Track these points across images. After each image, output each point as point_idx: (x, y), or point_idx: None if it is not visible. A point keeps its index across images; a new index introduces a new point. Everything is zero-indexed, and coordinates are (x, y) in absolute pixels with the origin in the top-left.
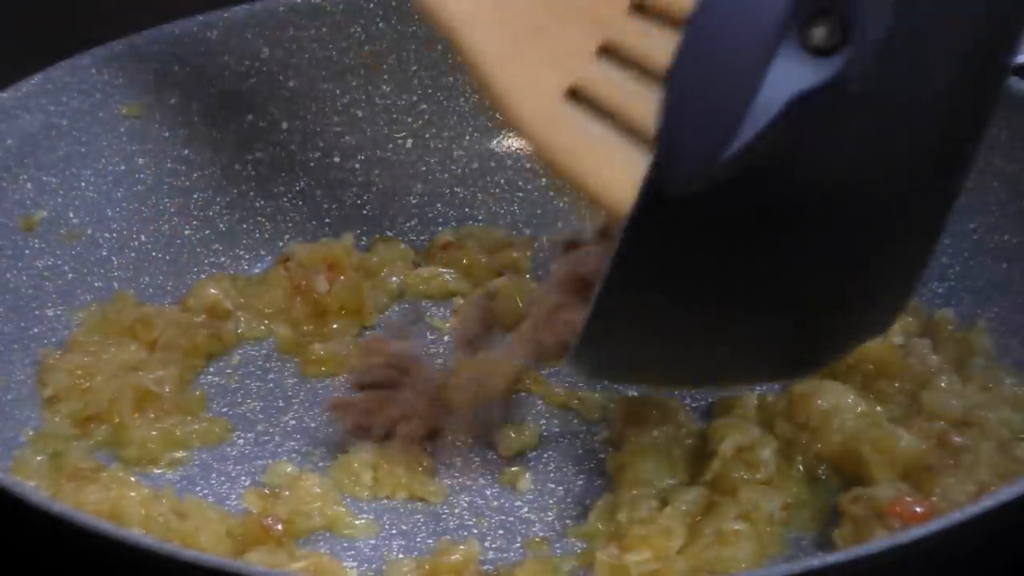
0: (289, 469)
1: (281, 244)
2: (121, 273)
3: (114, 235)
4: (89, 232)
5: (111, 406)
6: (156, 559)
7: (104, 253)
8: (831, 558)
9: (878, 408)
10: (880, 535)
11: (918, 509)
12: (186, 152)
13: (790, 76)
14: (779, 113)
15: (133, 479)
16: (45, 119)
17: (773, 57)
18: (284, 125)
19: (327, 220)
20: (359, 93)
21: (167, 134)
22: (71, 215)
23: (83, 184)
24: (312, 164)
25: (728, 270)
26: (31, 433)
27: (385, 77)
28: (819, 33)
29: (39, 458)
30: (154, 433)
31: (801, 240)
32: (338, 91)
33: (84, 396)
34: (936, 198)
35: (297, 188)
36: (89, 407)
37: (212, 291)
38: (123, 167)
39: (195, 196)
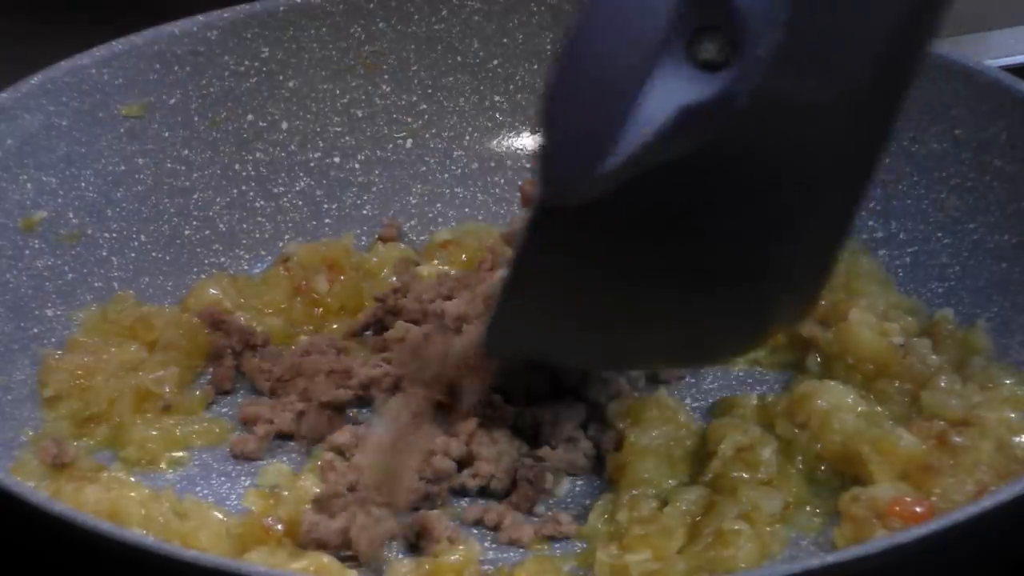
0: (289, 469)
1: (281, 244)
2: (121, 273)
3: (114, 235)
4: (89, 232)
5: (111, 406)
6: (156, 559)
7: (104, 253)
8: (831, 558)
9: (878, 408)
10: (880, 535)
11: (918, 509)
12: (186, 152)
13: (676, 90)
14: (663, 126)
15: (133, 479)
16: (45, 119)
17: (654, 71)
18: (284, 125)
19: (327, 220)
20: (359, 93)
21: (167, 134)
22: (71, 215)
23: (83, 184)
24: (312, 164)
25: (629, 263)
26: (31, 433)
27: (385, 77)
28: (708, 48)
29: (36, 461)
30: (154, 433)
31: (704, 235)
32: (338, 91)
33: (84, 396)
34: (845, 186)
35: (297, 188)
36: (89, 407)
37: (212, 291)
38: (123, 167)
39: (195, 196)
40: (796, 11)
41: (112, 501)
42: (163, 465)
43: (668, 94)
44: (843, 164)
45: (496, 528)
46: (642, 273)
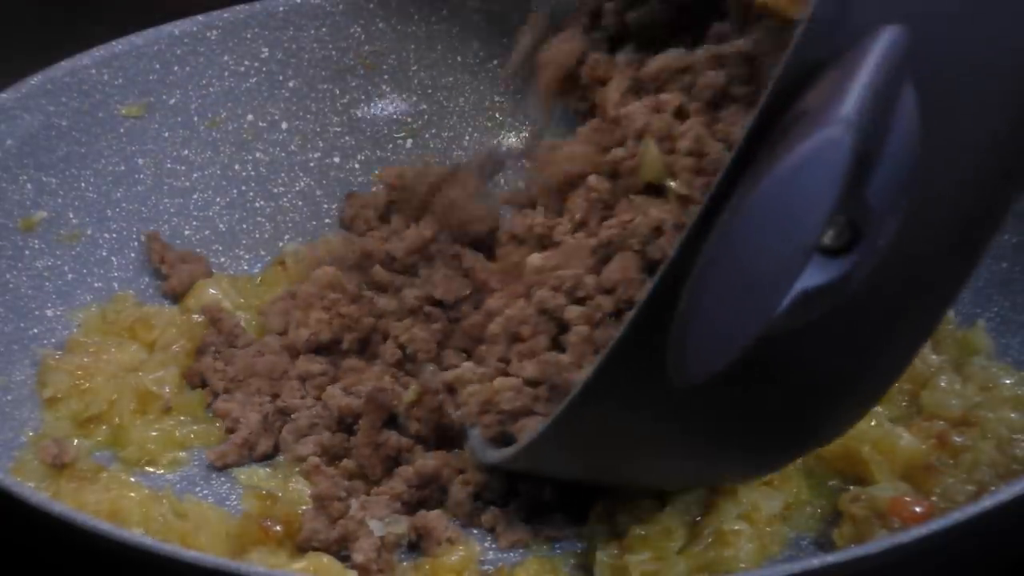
0: (287, 470)
1: (281, 244)
2: (121, 273)
3: (114, 235)
4: (89, 232)
5: (111, 407)
6: (156, 559)
7: (104, 253)
8: (831, 558)
9: (879, 408)
10: (880, 535)
11: (918, 509)
12: (186, 152)
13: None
14: (783, 310)
15: (133, 480)
16: (45, 119)
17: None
18: (284, 125)
19: (327, 220)
20: (359, 93)
21: (167, 134)
22: (71, 215)
23: (83, 184)
24: (312, 164)
25: (687, 422)
26: (31, 434)
27: (385, 77)
28: (830, 234)
29: (36, 462)
30: (154, 434)
31: (777, 399)
32: (338, 91)
33: (84, 397)
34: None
35: (297, 188)
36: (89, 408)
37: (212, 291)
38: (123, 167)
39: (195, 196)
40: (913, 199)
41: (112, 501)
42: (162, 466)
43: (788, 279)
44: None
45: (492, 530)
46: (695, 430)
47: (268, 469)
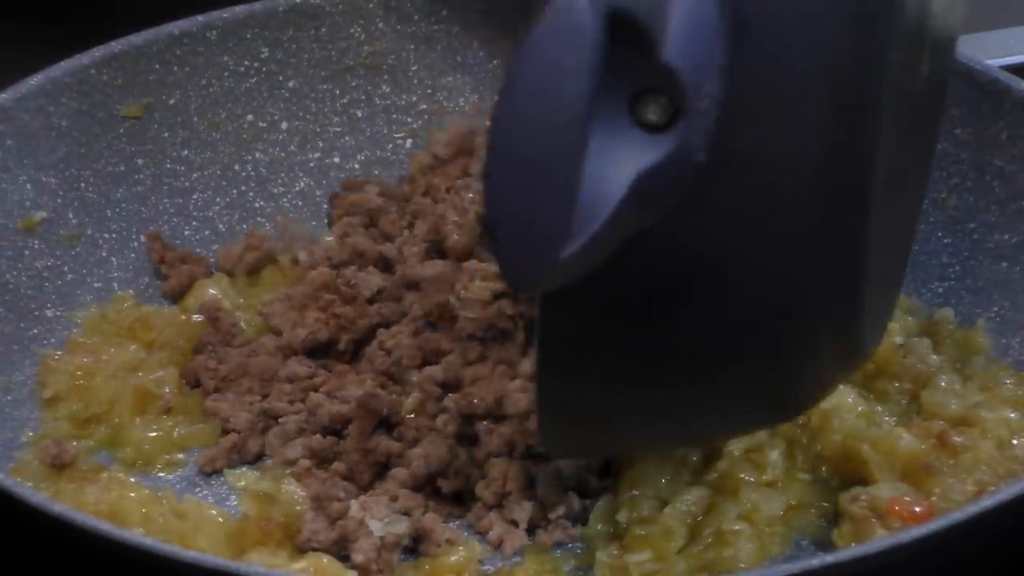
0: (276, 472)
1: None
2: (121, 273)
3: (114, 236)
4: (89, 233)
5: (111, 407)
6: (156, 560)
7: (104, 254)
8: (831, 558)
9: (878, 408)
10: (880, 535)
11: (917, 509)
12: (185, 152)
13: (628, 158)
14: (624, 197)
15: (133, 480)
16: (45, 120)
17: (592, 145)
18: (284, 125)
19: (327, 220)
20: (359, 93)
21: (166, 135)
22: (71, 216)
23: (83, 185)
24: (312, 164)
25: (643, 341)
26: (31, 434)
27: (385, 77)
28: (651, 111)
29: (36, 462)
30: (152, 435)
31: (706, 303)
32: (338, 91)
33: (84, 397)
34: (842, 240)
35: (297, 188)
36: (89, 408)
37: (211, 291)
38: (122, 168)
39: (195, 197)
40: (733, 57)
41: (112, 502)
42: (161, 467)
43: (621, 164)
44: (827, 222)
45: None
46: (657, 352)
47: (258, 472)
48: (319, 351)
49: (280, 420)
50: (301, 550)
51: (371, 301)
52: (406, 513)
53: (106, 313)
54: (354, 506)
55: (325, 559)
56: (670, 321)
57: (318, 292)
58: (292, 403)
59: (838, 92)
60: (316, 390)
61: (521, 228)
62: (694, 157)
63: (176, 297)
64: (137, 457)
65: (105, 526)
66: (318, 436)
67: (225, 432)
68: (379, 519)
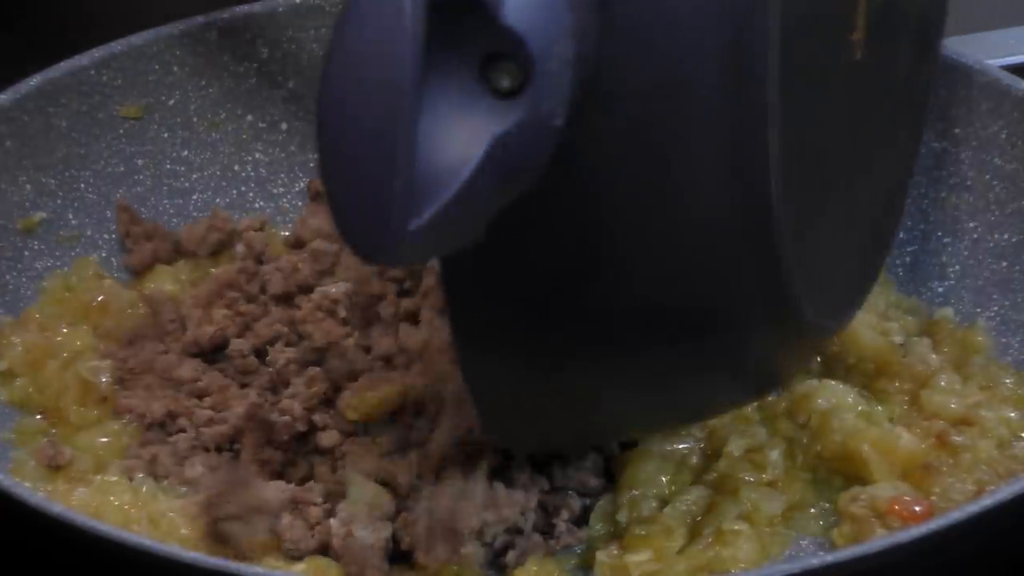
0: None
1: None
2: (120, 275)
3: (113, 236)
4: (88, 233)
5: (59, 398)
6: (157, 560)
7: (104, 254)
8: (830, 557)
9: (878, 407)
10: (880, 534)
11: (917, 508)
12: (185, 153)
13: (482, 125)
14: (478, 164)
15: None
16: (44, 121)
17: (420, 113)
18: (284, 126)
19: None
20: None
21: (166, 135)
22: (70, 216)
23: (82, 186)
24: (312, 164)
25: (559, 321)
26: (11, 433)
27: None
28: (501, 77)
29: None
30: (103, 440)
31: (611, 278)
32: None
33: (36, 379)
34: (749, 210)
35: (297, 188)
36: (41, 392)
37: (163, 284)
38: (122, 168)
39: (194, 197)
40: (577, 17)
41: (96, 508)
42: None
43: (474, 131)
44: (733, 190)
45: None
46: (572, 332)
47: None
48: (220, 351)
49: (170, 439)
50: (292, 557)
51: (287, 298)
52: (391, 519)
53: (68, 280)
54: (340, 515)
55: (324, 560)
56: (577, 300)
57: (222, 289)
58: (175, 416)
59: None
60: (203, 396)
61: (361, 198)
62: (550, 121)
63: (136, 272)
64: (91, 465)
65: (106, 528)
66: (213, 454)
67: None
68: (362, 525)
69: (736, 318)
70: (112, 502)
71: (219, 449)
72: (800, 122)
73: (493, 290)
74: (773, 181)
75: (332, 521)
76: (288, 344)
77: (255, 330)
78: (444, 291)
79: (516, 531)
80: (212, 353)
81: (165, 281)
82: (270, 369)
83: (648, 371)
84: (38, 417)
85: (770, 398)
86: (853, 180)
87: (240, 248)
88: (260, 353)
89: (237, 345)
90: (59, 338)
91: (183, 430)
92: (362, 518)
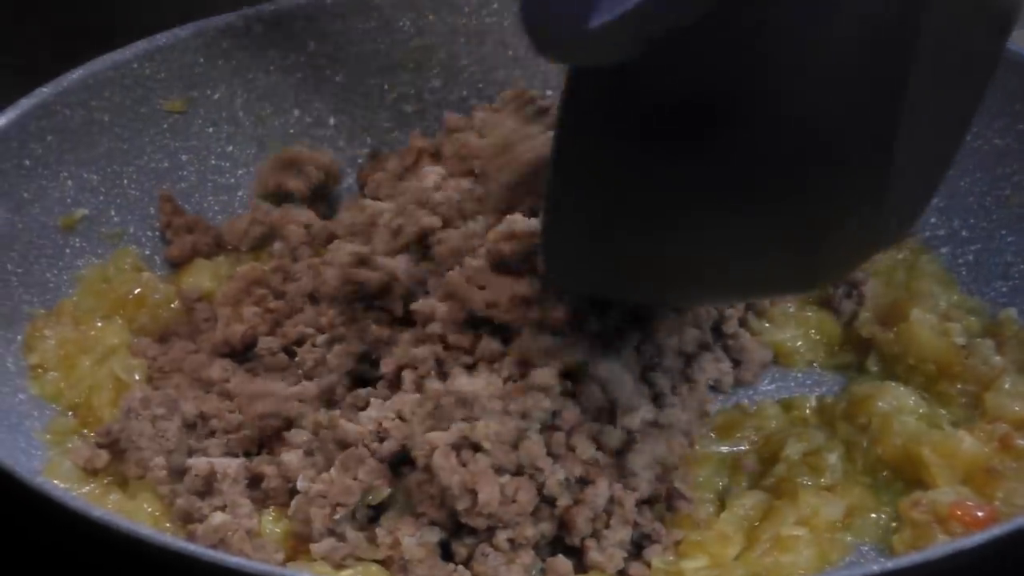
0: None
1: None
2: (163, 272)
3: (156, 234)
4: (131, 231)
5: (91, 394)
6: (202, 566)
7: (147, 252)
8: (891, 564)
9: (940, 410)
10: (941, 541)
11: (980, 514)
12: (230, 148)
13: None
14: None
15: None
16: (86, 115)
17: None
18: (332, 120)
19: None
20: (408, 88)
21: (211, 130)
22: (112, 213)
23: (125, 181)
24: (360, 160)
25: (671, 161)
26: (42, 431)
27: (435, 71)
28: None
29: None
30: None
31: (735, 137)
32: (386, 86)
33: (69, 376)
34: (880, 96)
35: (344, 185)
36: (74, 389)
37: (201, 279)
38: (166, 164)
39: (240, 193)
40: None
41: (128, 513)
42: None
43: None
44: (873, 74)
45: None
46: (679, 177)
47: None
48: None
49: (218, 475)
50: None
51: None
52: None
53: (106, 271)
54: (381, 531)
55: (373, 567)
56: (698, 142)
57: (250, 287)
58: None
59: None
60: (232, 397)
61: None
62: None
63: (175, 264)
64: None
65: (147, 531)
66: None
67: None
68: (410, 535)
69: (837, 192)
70: (144, 508)
71: (247, 454)
72: (931, 56)
73: (625, 113)
74: (909, 96)
75: (378, 529)
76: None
77: (285, 328)
78: (568, 110)
79: None
80: (244, 352)
81: (204, 276)
82: (299, 371)
83: (740, 227)
84: (69, 415)
85: (828, 400)
86: (933, 115)
87: (278, 245)
88: (291, 352)
89: (266, 343)
90: (93, 332)
91: (214, 432)
92: (408, 527)
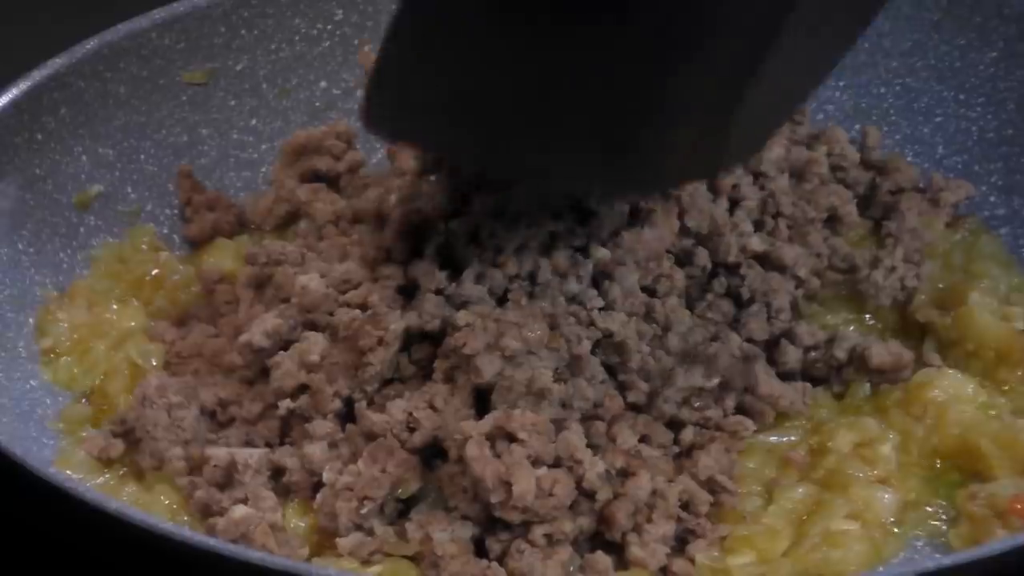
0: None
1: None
2: (182, 252)
3: (175, 212)
4: (148, 208)
5: (107, 379)
6: (226, 562)
7: (165, 231)
8: (948, 560)
9: (999, 399)
10: (1000, 535)
11: None
12: (254, 122)
13: None
14: None
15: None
16: (101, 87)
17: None
18: (359, 93)
19: None
20: None
21: (233, 103)
22: (129, 190)
23: (142, 157)
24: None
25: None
26: (54, 419)
27: None
28: None
29: (81, 453)
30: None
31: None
32: None
33: (83, 361)
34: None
35: (374, 160)
36: (88, 374)
37: (223, 260)
38: (185, 138)
39: (263, 170)
40: None
41: (145, 506)
42: None
43: None
44: None
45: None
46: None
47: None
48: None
49: (239, 466)
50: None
51: None
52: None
53: (122, 251)
54: (411, 526)
55: (403, 563)
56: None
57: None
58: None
59: None
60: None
61: None
62: None
63: (195, 244)
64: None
65: (167, 526)
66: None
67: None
68: (443, 530)
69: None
70: (161, 501)
71: (268, 444)
72: None
73: None
74: None
75: (408, 524)
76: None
77: None
78: None
79: None
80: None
81: (225, 257)
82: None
83: (560, 100)
84: (83, 402)
85: (882, 388)
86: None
87: (304, 224)
88: None
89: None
90: (108, 315)
91: (233, 420)
92: (440, 523)
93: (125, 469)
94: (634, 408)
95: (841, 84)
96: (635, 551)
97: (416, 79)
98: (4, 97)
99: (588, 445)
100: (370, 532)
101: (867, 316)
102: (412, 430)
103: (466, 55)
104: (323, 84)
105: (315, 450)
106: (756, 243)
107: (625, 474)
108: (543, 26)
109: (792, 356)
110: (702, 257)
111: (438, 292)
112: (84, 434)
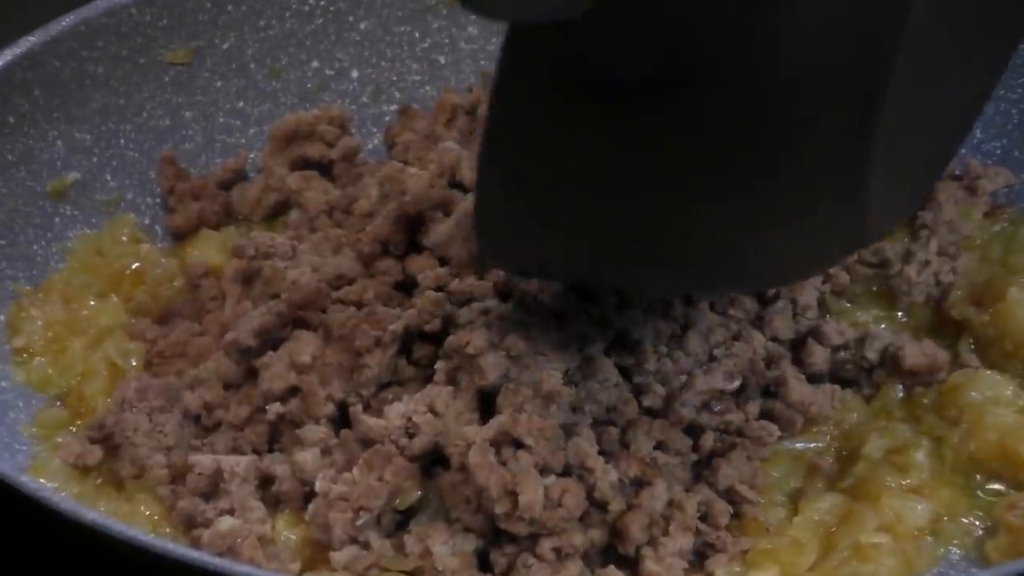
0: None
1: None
2: (165, 244)
3: (157, 201)
4: (129, 197)
5: (84, 380)
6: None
7: (146, 222)
8: (985, 574)
9: None
10: None
11: None
12: (241, 105)
13: None
14: None
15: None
16: (78, 66)
17: None
18: (354, 74)
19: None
20: (441, 36)
21: (219, 84)
22: (108, 178)
23: (122, 141)
24: (387, 118)
25: (618, 130)
26: (28, 423)
27: (471, 18)
28: None
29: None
30: None
31: (698, 95)
32: (417, 34)
33: (57, 361)
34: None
35: (370, 146)
36: (63, 376)
37: (208, 253)
38: (168, 122)
39: (252, 156)
40: None
41: (124, 517)
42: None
43: None
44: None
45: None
46: (630, 145)
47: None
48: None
49: (225, 474)
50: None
51: None
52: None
53: (101, 245)
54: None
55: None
56: (653, 111)
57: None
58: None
59: None
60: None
61: None
62: None
63: (179, 235)
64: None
65: (143, 537)
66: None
67: None
68: (443, 543)
69: (805, 178)
70: (142, 511)
71: (257, 451)
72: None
73: (570, 77)
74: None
75: (406, 536)
76: None
77: None
78: (504, 74)
79: None
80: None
81: (210, 249)
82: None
83: (675, 208)
84: (58, 406)
85: (916, 390)
86: (942, 78)
87: (295, 214)
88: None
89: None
90: (85, 312)
91: (219, 425)
92: (440, 535)
93: (104, 478)
94: (650, 413)
95: None
96: (650, 566)
97: (521, 213)
98: None
99: (600, 452)
100: (366, 545)
101: (899, 313)
102: (411, 436)
103: (561, 163)
104: (315, 64)
105: (307, 457)
106: None
107: (640, 483)
108: (634, 117)
109: (820, 356)
110: None
111: (439, 289)
112: (59, 440)
